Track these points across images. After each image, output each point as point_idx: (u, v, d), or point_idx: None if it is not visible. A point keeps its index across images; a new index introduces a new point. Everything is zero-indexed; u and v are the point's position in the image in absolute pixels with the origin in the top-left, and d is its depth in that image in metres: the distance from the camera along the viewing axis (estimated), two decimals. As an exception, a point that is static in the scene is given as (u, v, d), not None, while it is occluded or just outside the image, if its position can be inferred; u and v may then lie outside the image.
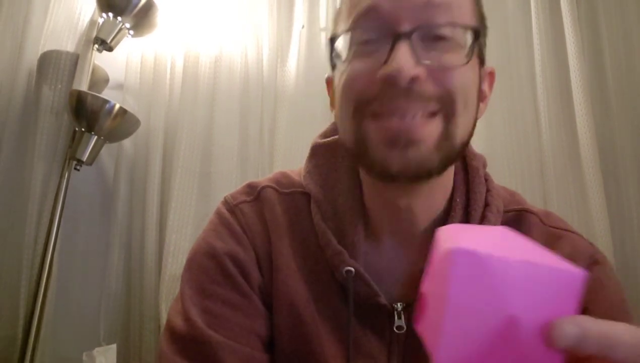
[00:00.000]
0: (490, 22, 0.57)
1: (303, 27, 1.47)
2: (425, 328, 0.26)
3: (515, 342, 0.25)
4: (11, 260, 1.18)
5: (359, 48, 0.50)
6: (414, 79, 0.46)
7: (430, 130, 0.48)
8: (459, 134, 0.50)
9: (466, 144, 0.53)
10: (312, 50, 1.45)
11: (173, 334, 0.53)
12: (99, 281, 1.29)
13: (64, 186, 1.22)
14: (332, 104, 0.60)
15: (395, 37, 0.47)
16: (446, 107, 0.48)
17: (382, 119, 0.48)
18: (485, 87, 0.57)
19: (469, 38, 0.50)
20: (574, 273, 0.25)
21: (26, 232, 1.18)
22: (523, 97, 1.34)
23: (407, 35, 0.47)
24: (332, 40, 0.53)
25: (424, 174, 0.49)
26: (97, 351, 1.18)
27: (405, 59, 0.46)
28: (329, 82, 0.61)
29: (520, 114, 1.33)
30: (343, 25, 0.53)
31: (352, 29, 0.51)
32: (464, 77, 0.50)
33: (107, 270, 1.29)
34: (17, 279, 1.16)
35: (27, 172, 1.22)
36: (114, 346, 1.21)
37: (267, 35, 1.46)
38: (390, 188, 0.53)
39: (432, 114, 0.48)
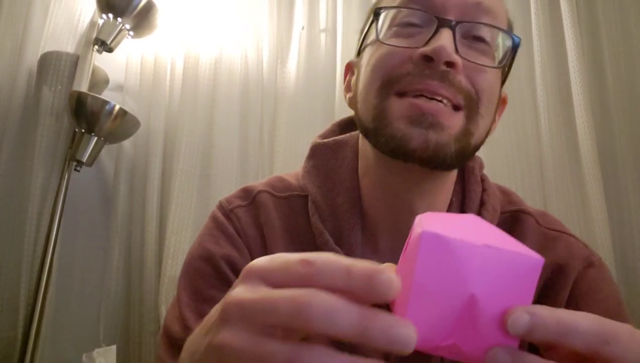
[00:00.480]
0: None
1: (303, 28, 1.47)
2: (395, 306, 0.28)
3: (476, 322, 0.26)
4: (11, 261, 1.18)
5: (399, 29, 0.51)
6: (451, 64, 0.47)
7: (454, 121, 0.48)
8: (476, 134, 0.50)
9: (478, 148, 0.53)
10: (312, 52, 1.45)
11: (171, 340, 0.53)
12: (99, 282, 1.29)
13: (64, 187, 1.22)
14: (347, 88, 0.61)
15: (440, 23, 0.48)
16: (471, 105, 0.49)
17: (408, 97, 0.49)
18: (498, 110, 0.57)
19: (506, 46, 0.51)
20: (533, 258, 0.26)
21: (26, 233, 1.19)
22: (523, 99, 1.34)
23: (452, 25, 0.48)
24: (377, 14, 0.52)
25: (439, 159, 0.48)
26: (96, 352, 1.18)
27: (448, 42, 0.47)
28: (349, 67, 0.62)
29: (520, 117, 1.33)
30: (386, 3, 0.53)
31: (399, 7, 0.51)
32: (491, 82, 0.51)
33: (107, 271, 1.29)
34: (17, 280, 1.16)
35: (27, 173, 1.22)
36: (113, 347, 1.21)
37: (267, 37, 1.46)
38: (396, 179, 0.53)
39: (457, 108, 0.49)
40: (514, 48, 0.52)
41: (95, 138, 1.22)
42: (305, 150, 0.64)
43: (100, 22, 1.30)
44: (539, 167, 1.30)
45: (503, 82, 0.55)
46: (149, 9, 1.32)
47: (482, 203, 0.56)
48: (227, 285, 0.54)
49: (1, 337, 1.14)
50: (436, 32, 0.48)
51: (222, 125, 1.36)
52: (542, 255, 0.56)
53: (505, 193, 0.62)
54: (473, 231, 0.28)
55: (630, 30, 1.32)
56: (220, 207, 0.61)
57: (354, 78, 0.58)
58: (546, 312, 0.26)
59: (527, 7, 1.37)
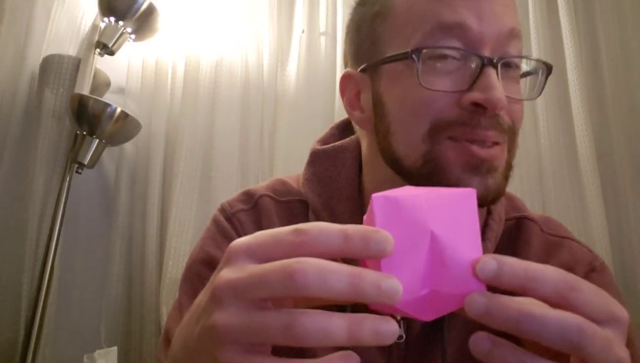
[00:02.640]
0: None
1: (303, 31, 1.48)
2: (369, 268, 0.29)
3: (444, 259, 0.29)
4: (13, 263, 1.18)
5: (434, 63, 0.48)
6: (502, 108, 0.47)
7: (502, 155, 0.49)
8: (513, 164, 0.51)
9: None
10: (312, 55, 1.46)
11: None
12: (100, 284, 1.30)
13: (65, 189, 1.22)
14: (352, 105, 0.57)
15: (484, 62, 0.46)
16: (512, 138, 0.50)
17: (461, 142, 0.47)
18: None
19: (540, 72, 0.52)
20: (467, 190, 0.30)
21: (28, 235, 1.19)
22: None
23: (495, 62, 0.47)
24: (416, 54, 0.47)
25: (497, 200, 0.50)
26: (98, 353, 1.18)
27: (500, 88, 0.46)
28: (348, 79, 0.57)
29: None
30: (408, 30, 0.49)
31: (429, 42, 0.48)
32: (522, 111, 0.52)
33: (108, 273, 1.29)
34: (18, 282, 1.17)
35: (28, 176, 1.23)
36: (114, 349, 1.21)
37: (268, 40, 1.47)
38: None
39: (500, 143, 0.49)
40: (549, 74, 0.52)
41: (97, 140, 1.23)
42: (305, 153, 0.64)
43: (102, 25, 1.30)
44: (537, 171, 1.31)
45: None
46: (150, 12, 1.32)
47: (489, 212, 0.56)
48: None
49: (3, 338, 1.15)
50: (481, 72, 0.46)
51: (222, 128, 1.37)
52: (547, 262, 0.57)
53: (509, 198, 0.62)
54: (414, 191, 0.31)
55: (628, 34, 1.33)
56: (222, 210, 0.61)
57: (364, 95, 0.55)
58: (514, 260, 0.29)
59: (525, 10, 1.38)
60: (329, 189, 0.59)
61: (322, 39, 1.49)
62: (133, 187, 1.36)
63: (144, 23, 1.33)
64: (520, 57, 0.50)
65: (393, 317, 0.55)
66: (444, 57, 0.48)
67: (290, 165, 1.35)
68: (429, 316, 0.30)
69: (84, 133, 1.22)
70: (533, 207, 1.16)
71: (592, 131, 1.26)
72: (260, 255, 0.29)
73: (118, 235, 1.31)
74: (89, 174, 1.29)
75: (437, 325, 0.52)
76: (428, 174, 0.48)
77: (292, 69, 1.46)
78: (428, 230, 0.28)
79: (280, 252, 0.28)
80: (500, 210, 0.57)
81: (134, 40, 1.35)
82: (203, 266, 0.56)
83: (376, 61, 0.52)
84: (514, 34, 0.49)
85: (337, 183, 0.59)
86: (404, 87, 0.50)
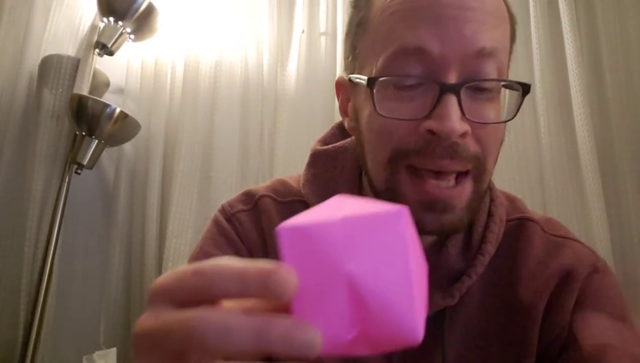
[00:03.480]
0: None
1: (303, 31, 1.47)
2: (293, 309, 0.25)
3: (366, 300, 0.24)
4: (12, 264, 1.18)
5: (396, 91, 0.47)
6: (460, 136, 0.45)
7: (464, 193, 0.47)
8: (484, 188, 0.50)
9: (487, 192, 0.53)
10: (312, 55, 1.46)
11: None
12: (99, 285, 1.30)
13: (64, 190, 1.22)
14: (344, 112, 0.58)
15: (443, 88, 0.44)
16: (478, 168, 0.48)
17: (418, 177, 0.47)
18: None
19: (515, 92, 0.49)
20: (391, 212, 0.25)
21: (27, 236, 1.19)
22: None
23: (457, 89, 0.44)
24: (371, 84, 0.47)
25: (454, 232, 0.50)
26: (97, 355, 1.18)
27: (456, 117, 0.44)
28: (340, 86, 0.59)
29: (520, 120, 1.33)
30: (376, 52, 0.48)
31: (391, 66, 0.46)
32: (498, 132, 0.49)
33: (107, 274, 1.29)
34: (17, 283, 1.16)
35: (27, 176, 1.22)
36: (113, 350, 1.21)
37: (268, 40, 1.47)
38: None
39: (465, 173, 0.47)
40: (524, 95, 0.48)
41: (96, 141, 1.22)
42: (305, 153, 0.64)
43: (101, 25, 1.30)
44: (538, 171, 1.30)
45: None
46: (149, 12, 1.32)
47: (489, 215, 0.56)
48: None
49: (1, 339, 1.14)
50: (439, 100, 0.44)
51: (222, 128, 1.37)
52: (549, 262, 0.55)
53: (510, 199, 0.61)
54: (337, 210, 0.26)
55: (629, 33, 1.32)
56: (223, 211, 0.61)
57: (350, 105, 0.56)
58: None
59: (526, 9, 1.37)
60: (330, 190, 0.58)
61: (322, 39, 1.49)
62: (132, 188, 1.36)
63: (143, 23, 1.32)
64: (485, 80, 0.46)
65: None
66: (406, 84, 0.46)
67: (290, 165, 1.34)
68: (370, 351, 0.26)
69: (83, 133, 1.22)
70: (534, 206, 1.16)
71: (593, 130, 1.26)
72: (176, 297, 0.27)
73: (117, 236, 1.31)
74: (88, 174, 1.29)
75: (438, 326, 0.52)
76: (390, 199, 0.48)
77: (292, 69, 1.46)
78: (344, 270, 0.24)
79: (190, 296, 0.26)
80: (501, 211, 0.57)
81: (133, 40, 1.35)
82: None
83: (353, 77, 0.52)
84: (483, 54, 0.45)
85: (338, 184, 0.59)
86: (370, 111, 0.49)
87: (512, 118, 0.49)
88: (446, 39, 0.45)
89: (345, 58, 0.57)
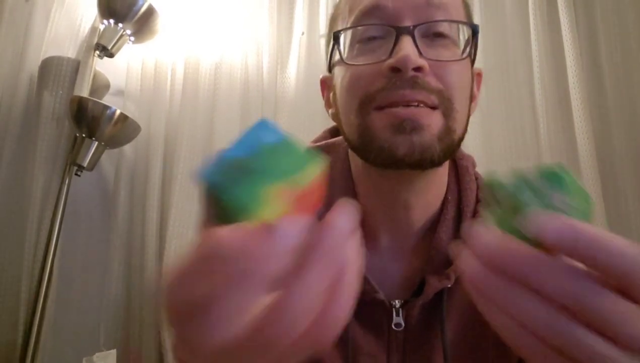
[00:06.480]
0: (488, 29, 0.59)
1: (303, 34, 1.48)
2: None
3: None
4: (12, 265, 1.18)
5: (361, 46, 0.53)
6: (418, 69, 0.49)
7: (433, 120, 0.50)
8: (457, 128, 0.52)
9: (462, 139, 0.55)
10: (312, 57, 1.46)
11: None
12: (99, 286, 1.29)
13: (64, 192, 1.22)
14: (327, 104, 0.62)
15: (399, 32, 0.50)
16: (445, 103, 0.50)
17: (387, 109, 0.50)
18: (475, 87, 0.59)
19: (465, 35, 0.53)
20: None
21: (27, 237, 1.19)
22: (521, 103, 1.34)
23: (410, 30, 0.50)
24: (336, 38, 0.54)
25: (427, 160, 0.50)
26: (97, 356, 1.18)
27: (410, 48, 0.49)
28: (324, 83, 0.63)
29: (519, 120, 1.34)
30: (343, 25, 0.55)
31: (355, 26, 0.53)
32: (460, 74, 0.52)
33: (107, 276, 1.29)
34: (17, 284, 1.16)
35: (28, 178, 1.23)
36: (113, 351, 1.21)
37: (267, 42, 1.47)
38: (389, 181, 0.54)
39: (433, 108, 0.50)
40: (475, 35, 0.53)
41: (96, 143, 1.23)
42: (304, 155, 0.65)
43: (102, 27, 1.30)
44: (538, 171, 1.30)
45: (472, 63, 0.56)
46: (149, 14, 1.33)
47: (478, 201, 0.58)
48: None
49: (1, 341, 1.14)
50: (397, 41, 0.50)
51: (222, 130, 1.37)
52: None
53: None
54: None
55: (629, 34, 1.33)
56: None
57: (332, 95, 0.60)
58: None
59: (525, 11, 1.38)
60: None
61: (322, 41, 1.49)
62: (132, 190, 1.36)
63: (143, 25, 1.33)
64: (433, 21, 0.51)
65: (391, 304, 0.55)
66: (369, 39, 0.52)
67: (289, 167, 1.34)
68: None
69: (83, 135, 1.22)
70: (534, 208, 1.16)
71: (592, 131, 1.26)
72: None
73: (117, 237, 1.31)
74: (88, 176, 1.29)
75: (436, 313, 0.53)
76: (364, 145, 0.52)
77: (292, 71, 1.46)
78: None
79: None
80: None
81: (134, 42, 1.35)
82: None
83: (328, 58, 0.58)
84: (433, 4, 0.51)
85: (331, 175, 0.60)
86: (340, 72, 0.55)
87: (467, 57, 0.53)
88: None
89: (325, 58, 0.61)
